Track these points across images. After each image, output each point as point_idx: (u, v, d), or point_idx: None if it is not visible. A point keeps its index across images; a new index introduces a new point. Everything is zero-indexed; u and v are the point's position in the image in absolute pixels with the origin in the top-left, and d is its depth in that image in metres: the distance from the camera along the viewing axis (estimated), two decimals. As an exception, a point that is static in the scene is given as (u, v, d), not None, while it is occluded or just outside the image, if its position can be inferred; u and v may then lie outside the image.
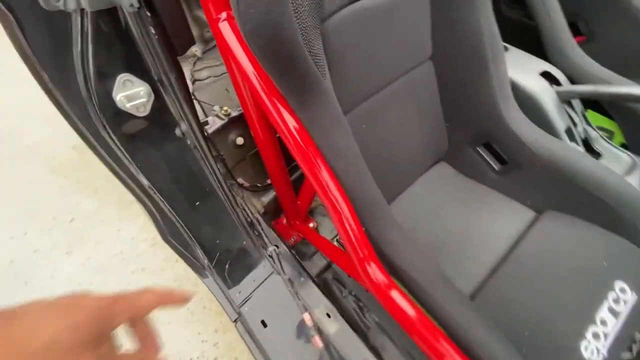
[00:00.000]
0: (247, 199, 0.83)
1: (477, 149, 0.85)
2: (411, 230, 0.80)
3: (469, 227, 0.79)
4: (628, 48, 0.99)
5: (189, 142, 0.57)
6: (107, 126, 0.54)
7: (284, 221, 0.96)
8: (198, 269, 0.73)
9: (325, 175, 0.52)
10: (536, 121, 0.75)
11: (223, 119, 0.70)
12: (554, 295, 0.61)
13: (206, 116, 0.81)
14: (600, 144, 0.82)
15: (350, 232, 0.53)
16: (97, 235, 1.23)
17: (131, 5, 0.41)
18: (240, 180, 0.79)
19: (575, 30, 1.05)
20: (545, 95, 0.76)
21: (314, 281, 0.71)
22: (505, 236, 0.76)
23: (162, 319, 1.05)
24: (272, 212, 0.95)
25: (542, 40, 0.84)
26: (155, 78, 0.51)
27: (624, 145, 0.83)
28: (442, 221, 0.81)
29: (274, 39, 0.36)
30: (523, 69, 0.79)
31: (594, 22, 1.01)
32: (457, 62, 0.72)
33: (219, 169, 0.62)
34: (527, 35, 0.91)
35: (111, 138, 0.55)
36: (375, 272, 0.53)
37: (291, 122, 0.50)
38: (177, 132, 0.56)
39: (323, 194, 0.53)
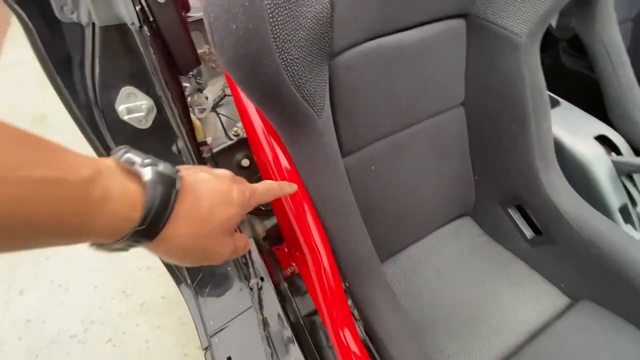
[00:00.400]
0: (247, 222, 0.81)
1: (508, 210, 0.74)
2: (413, 291, 0.71)
3: (484, 299, 0.68)
4: None
5: (184, 160, 0.56)
6: (109, 134, 0.54)
7: (286, 249, 0.92)
8: (181, 285, 0.71)
9: (309, 220, 0.47)
10: (583, 193, 0.64)
11: (232, 139, 0.69)
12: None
13: (226, 132, 0.81)
14: (666, 231, 0.67)
15: (328, 289, 0.47)
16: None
17: (133, 23, 0.41)
18: (242, 201, 0.77)
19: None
20: (597, 163, 0.64)
21: (291, 326, 0.65)
22: (526, 321, 0.64)
23: (153, 322, 1.05)
24: (275, 238, 0.91)
25: (605, 98, 0.72)
26: (159, 94, 0.51)
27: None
28: (454, 286, 0.71)
29: (251, 74, 0.33)
30: (574, 129, 0.68)
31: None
32: (492, 112, 0.64)
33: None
34: (588, 90, 0.79)
35: (114, 144, 0.56)
36: (349, 340, 0.46)
37: (282, 160, 0.47)
38: (174, 148, 0.56)
39: (305, 240, 0.48)
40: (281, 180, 0.48)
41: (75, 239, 0.21)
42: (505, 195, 0.72)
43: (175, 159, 0.57)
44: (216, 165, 0.67)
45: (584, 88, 0.79)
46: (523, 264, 0.73)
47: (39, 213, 0.18)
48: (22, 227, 0.18)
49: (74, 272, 1.18)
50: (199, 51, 0.81)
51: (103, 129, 0.55)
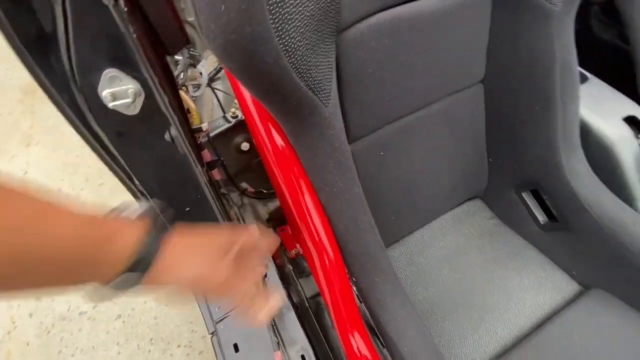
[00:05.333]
0: (250, 206, 0.78)
1: (522, 194, 0.71)
2: (420, 274, 0.70)
3: (491, 285, 0.67)
4: None
5: (178, 148, 0.52)
6: (95, 120, 0.50)
7: (289, 230, 0.90)
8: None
9: (314, 216, 0.44)
10: (607, 178, 0.60)
11: (230, 122, 0.64)
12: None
13: (224, 112, 0.76)
14: (690, 219, 0.63)
15: (336, 291, 0.45)
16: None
17: (107, -2, 0.35)
18: (244, 185, 0.74)
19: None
20: (624, 146, 0.60)
21: (296, 309, 0.64)
22: (534, 308, 0.63)
23: (160, 300, 1.07)
24: (279, 219, 0.89)
25: (637, 73, 0.65)
26: (145, 77, 0.46)
27: None
28: (461, 270, 0.70)
29: (247, 64, 0.28)
30: (601, 109, 0.62)
31: None
32: (514, 91, 0.58)
33: (209, 178, 0.56)
34: (619, 62, 0.72)
35: (102, 132, 0.52)
36: (360, 344, 0.44)
37: (282, 149, 0.43)
38: (167, 136, 0.51)
39: (310, 237, 0.45)
40: (281, 171, 0.44)
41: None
42: (521, 179, 0.68)
43: (169, 148, 0.52)
44: (214, 149, 0.63)
45: (615, 60, 0.72)
46: (534, 250, 0.71)
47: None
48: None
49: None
50: (190, 19, 0.73)
51: (88, 115, 0.50)
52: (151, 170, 0.56)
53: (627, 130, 0.61)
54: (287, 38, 0.29)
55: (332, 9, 0.36)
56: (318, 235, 0.44)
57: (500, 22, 0.53)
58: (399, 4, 0.46)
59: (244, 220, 0.71)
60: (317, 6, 0.32)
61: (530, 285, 0.66)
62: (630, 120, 0.62)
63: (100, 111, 0.48)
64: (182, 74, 0.66)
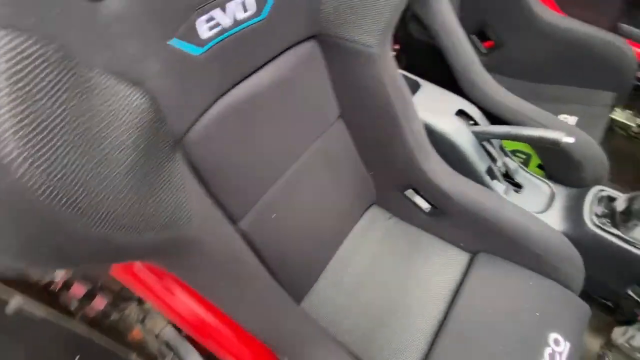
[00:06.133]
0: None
1: (405, 193, 0.80)
2: (348, 298, 0.73)
3: (406, 281, 0.74)
4: (535, 55, 1.00)
5: (31, 316, 0.42)
6: None
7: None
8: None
9: (225, 332, 0.42)
10: (456, 164, 0.71)
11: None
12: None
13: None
14: (520, 175, 0.81)
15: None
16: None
17: None
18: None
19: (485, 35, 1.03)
20: (461, 137, 0.72)
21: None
22: (443, 288, 0.73)
23: None
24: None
25: (452, 70, 0.79)
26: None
27: (540, 166, 0.84)
28: (380, 281, 0.75)
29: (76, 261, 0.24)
30: (437, 110, 0.74)
31: (500, 30, 1.00)
32: (367, 120, 0.64)
33: (89, 317, 0.48)
34: (437, 59, 0.85)
35: None
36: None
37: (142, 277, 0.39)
38: (8, 310, 0.41)
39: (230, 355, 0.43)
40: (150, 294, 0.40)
41: None
42: (399, 184, 0.77)
43: (19, 321, 0.42)
44: (86, 279, 0.54)
45: (434, 57, 0.85)
46: (428, 235, 0.81)
47: None
48: None
49: None
50: None
51: None
52: (7, 350, 0.45)
53: (459, 122, 0.73)
54: (111, 216, 0.25)
55: (158, 134, 0.33)
56: (236, 350, 0.42)
57: (335, 70, 0.57)
58: (233, 87, 0.45)
59: (152, 332, 0.64)
60: (134, 155, 0.28)
61: (433, 268, 0.76)
62: (460, 113, 0.74)
63: None
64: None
